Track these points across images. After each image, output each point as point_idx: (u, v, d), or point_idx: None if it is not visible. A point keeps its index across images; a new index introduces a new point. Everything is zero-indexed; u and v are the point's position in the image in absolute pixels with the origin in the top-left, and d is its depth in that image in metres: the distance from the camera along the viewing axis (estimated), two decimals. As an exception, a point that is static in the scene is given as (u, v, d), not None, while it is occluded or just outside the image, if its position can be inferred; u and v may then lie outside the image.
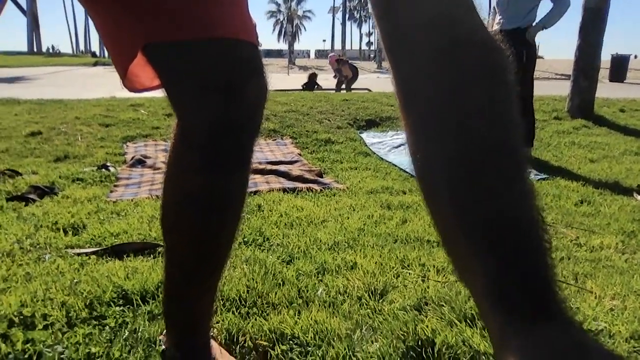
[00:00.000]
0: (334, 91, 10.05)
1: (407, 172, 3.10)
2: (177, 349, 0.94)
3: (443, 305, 1.26)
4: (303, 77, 13.19)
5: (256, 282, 1.38)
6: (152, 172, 2.93)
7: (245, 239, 1.77)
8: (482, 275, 0.36)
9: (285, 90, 8.73)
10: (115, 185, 2.59)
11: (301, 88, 10.62)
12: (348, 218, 2.09)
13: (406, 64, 0.45)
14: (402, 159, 3.47)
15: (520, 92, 0.42)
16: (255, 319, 1.19)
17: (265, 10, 70.06)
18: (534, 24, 3.52)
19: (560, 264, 1.67)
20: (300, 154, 3.57)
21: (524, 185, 0.39)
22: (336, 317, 1.22)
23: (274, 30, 69.81)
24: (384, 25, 0.47)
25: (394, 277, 1.48)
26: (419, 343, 1.10)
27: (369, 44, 67.08)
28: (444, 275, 1.49)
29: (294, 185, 2.65)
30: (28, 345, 1.04)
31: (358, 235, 1.86)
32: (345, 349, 1.07)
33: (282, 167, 3.05)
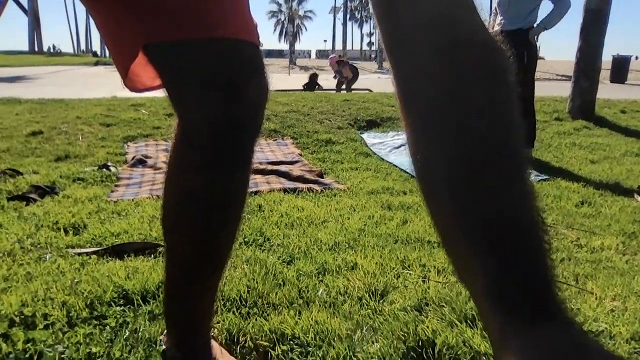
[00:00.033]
0: (334, 91, 10.05)
1: (407, 173, 3.10)
2: (177, 349, 0.94)
3: (444, 306, 1.26)
4: (304, 78, 13.20)
5: (257, 282, 1.38)
6: (153, 172, 2.93)
7: (246, 239, 1.77)
8: (482, 275, 0.36)
9: (286, 90, 8.74)
10: (116, 185, 2.59)
11: (302, 88, 10.63)
12: (349, 218, 2.09)
13: (406, 64, 0.45)
14: (403, 159, 3.47)
15: (521, 93, 0.42)
16: (256, 319, 1.19)
17: (266, 10, 70.13)
18: (535, 25, 3.52)
19: (561, 264, 1.67)
20: (301, 154, 3.57)
21: (524, 186, 0.39)
22: (337, 317, 1.22)
23: (274, 30, 69.84)
24: (384, 26, 0.47)
25: (394, 277, 1.48)
26: (420, 344, 1.10)
27: (370, 44, 67.08)
28: (445, 276, 1.49)
29: (295, 185, 2.65)
30: (29, 344, 1.04)
31: (359, 236, 1.86)
32: (345, 349, 1.07)
33: (282, 168, 3.05)
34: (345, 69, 11.68)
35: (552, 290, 0.35)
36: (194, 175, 0.75)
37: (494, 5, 3.68)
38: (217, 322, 1.16)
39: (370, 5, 0.49)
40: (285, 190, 2.54)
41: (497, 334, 0.35)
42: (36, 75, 13.83)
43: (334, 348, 1.08)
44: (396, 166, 3.35)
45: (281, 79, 16.43)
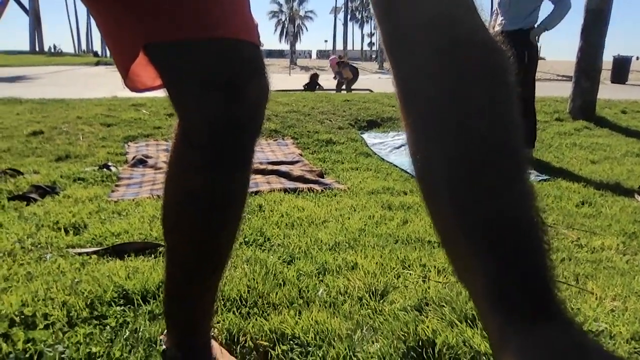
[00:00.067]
0: (335, 92, 10.05)
1: (408, 173, 3.10)
2: (177, 349, 0.94)
3: (444, 306, 1.26)
4: (304, 78, 13.21)
5: (257, 282, 1.38)
6: (154, 172, 2.93)
7: (246, 239, 1.77)
8: (481, 275, 0.36)
9: (286, 90, 8.75)
10: (116, 185, 2.59)
11: (302, 88, 10.63)
12: (349, 218, 2.09)
13: (406, 64, 0.45)
14: (403, 159, 3.47)
15: (522, 93, 0.42)
16: (256, 319, 1.19)
17: (267, 11, 70.07)
18: (535, 25, 3.52)
19: (561, 265, 1.67)
20: (301, 155, 3.57)
21: (524, 186, 0.39)
22: (337, 317, 1.22)
23: (275, 30, 69.80)
24: (384, 25, 0.47)
25: (394, 277, 1.48)
26: (420, 343, 1.10)
27: (370, 44, 67.07)
28: (445, 276, 1.49)
29: (295, 185, 2.65)
30: (29, 344, 1.04)
31: (359, 236, 1.86)
32: (345, 349, 1.07)
33: (283, 168, 3.05)
34: (346, 70, 11.69)
35: (552, 291, 0.35)
36: (194, 175, 0.75)
37: (495, 5, 3.68)
38: (217, 322, 1.16)
39: (370, 6, 0.49)
40: (285, 190, 2.54)
41: (496, 334, 0.35)
42: (37, 75, 13.84)
43: (334, 348, 1.08)
44: (397, 166, 3.35)
45: (282, 79, 16.44)
